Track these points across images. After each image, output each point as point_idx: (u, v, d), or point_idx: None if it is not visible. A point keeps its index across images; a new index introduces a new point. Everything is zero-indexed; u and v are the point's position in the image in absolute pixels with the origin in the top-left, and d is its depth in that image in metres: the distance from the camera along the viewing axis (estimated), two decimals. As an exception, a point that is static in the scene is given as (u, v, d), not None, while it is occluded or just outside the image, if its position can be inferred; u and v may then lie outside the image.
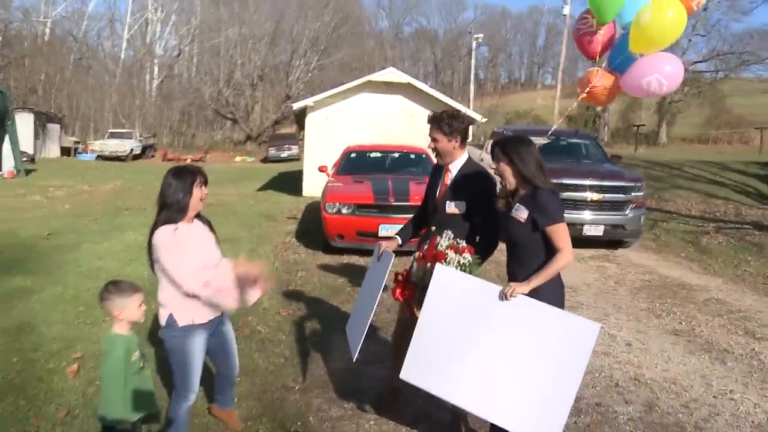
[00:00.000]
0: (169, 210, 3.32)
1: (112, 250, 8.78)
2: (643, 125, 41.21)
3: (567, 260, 3.33)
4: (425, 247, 3.70)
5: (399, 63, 76.73)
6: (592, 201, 10.13)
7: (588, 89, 5.26)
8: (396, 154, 11.60)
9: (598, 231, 10.13)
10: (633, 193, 10.30)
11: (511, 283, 3.32)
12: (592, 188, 10.18)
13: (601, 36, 5.26)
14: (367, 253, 9.25)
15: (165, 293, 3.36)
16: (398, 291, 3.86)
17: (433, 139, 3.97)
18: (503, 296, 3.28)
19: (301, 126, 18.52)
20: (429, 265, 3.57)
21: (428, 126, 3.99)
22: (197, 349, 3.43)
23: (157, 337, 3.56)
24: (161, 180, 3.40)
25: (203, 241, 3.46)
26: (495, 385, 3.27)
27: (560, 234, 3.33)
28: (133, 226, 10.48)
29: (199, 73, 52.44)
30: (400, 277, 3.91)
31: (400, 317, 4.15)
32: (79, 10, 57.87)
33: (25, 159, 27.52)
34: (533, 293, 3.29)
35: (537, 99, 67.65)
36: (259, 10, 50.10)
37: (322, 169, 11.27)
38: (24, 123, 30.54)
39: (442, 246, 3.56)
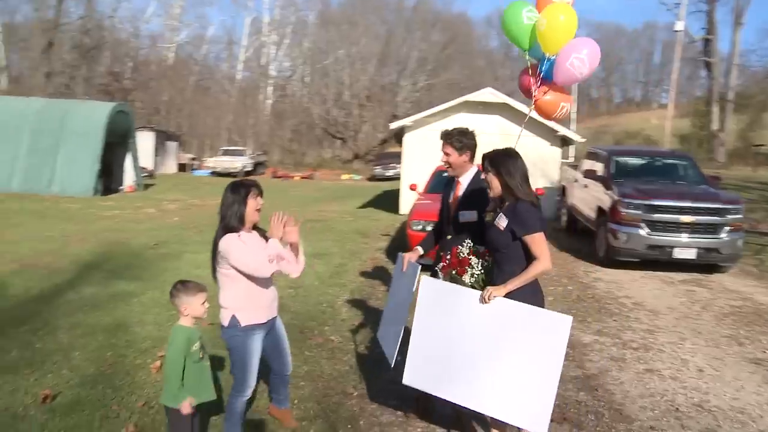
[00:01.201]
0: (229, 220, 3.67)
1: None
2: (763, 145, 38.92)
3: (543, 268, 3.59)
4: (447, 256, 3.95)
5: (509, 82, 75.86)
6: (684, 223, 9.84)
7: (533, 103, 5.52)
8: (485, 174, 11.71)
9: (690, 254, 9.83)
10: (729, 216, 9.93)
11: (489, 287, 3.56)
12: (684, 210, 9.89)
13: (528, 72, 5.55)
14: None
15: (228, 296, 3.70)
16: None
17: (445, 153, 4.32)
18: (482, 299, 3.55)
19: (401, 145, 18.91)
20: (454, 272, 3.86)
21: (442, 139, 4.36)
22: (256, 347, 3.76)
23: (218, 338, 3.89)
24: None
25: (258, 248, 3.74)
26: (484, 380, 3.55)
27: (537, 243, 3.58)
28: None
29: (309, 93, 54.19)
30: None
31: None
32: (200, 35, 61.53)
33: (145, 174, 29.38)
34: (512, 299, 3.52)
35: (651, 118, 65.28)
36: (367, 30, 51.30)
37: (412, 188, 11.55)
38: (145, 141, 32.63)
39: (463, 253, 3.86)
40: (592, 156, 13.23)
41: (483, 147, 14.80)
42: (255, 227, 3.85)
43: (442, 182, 11.27)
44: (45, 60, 40.26)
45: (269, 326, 3.88)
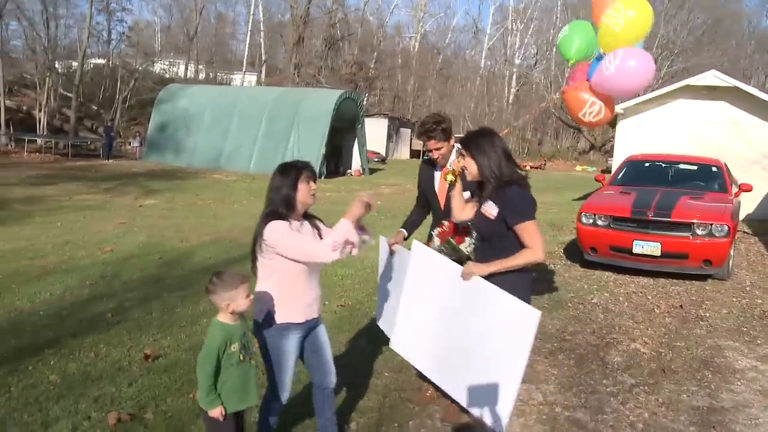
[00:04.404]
0: (277, 207, 3.27)
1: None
2: None
3: (535, 257, 3.32)
4: (445, 223, 3.99)
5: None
6: None
7: (563, 89, 5.07)
8: (683, 166, 10.61)
9: None
10: None
11: (470, 263, 3.36)
12: None
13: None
14: (621, 270, 8.72)
15: (265, 289, 3.32)
16: None
17: (436, 149, 4.21)
18: (462, 275, 3.35)
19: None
20: (452, 239, 3.90)
21: (423, 137, 4.24)
22: (291, 349, 3.37)
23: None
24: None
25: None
26: (453, 360, 3.43)
27: (529, 232, 3.30)
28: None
29: (548, 81, 52.97)
30: None
31: None
32: (444, 24, 62.94)
33: (376, 160, 30.91)
34: (502, 286, 3.24)
35: None
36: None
37: (598, 179, 10.91)
38: (378, 127, 34.33)
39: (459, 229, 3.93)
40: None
41: (707, 135, 13.78)
42: (307, 215, 3.45)
43: (632, 174, 10.58)
44: (296, 53, 43.93)
45: (307, 328, 3.43)
